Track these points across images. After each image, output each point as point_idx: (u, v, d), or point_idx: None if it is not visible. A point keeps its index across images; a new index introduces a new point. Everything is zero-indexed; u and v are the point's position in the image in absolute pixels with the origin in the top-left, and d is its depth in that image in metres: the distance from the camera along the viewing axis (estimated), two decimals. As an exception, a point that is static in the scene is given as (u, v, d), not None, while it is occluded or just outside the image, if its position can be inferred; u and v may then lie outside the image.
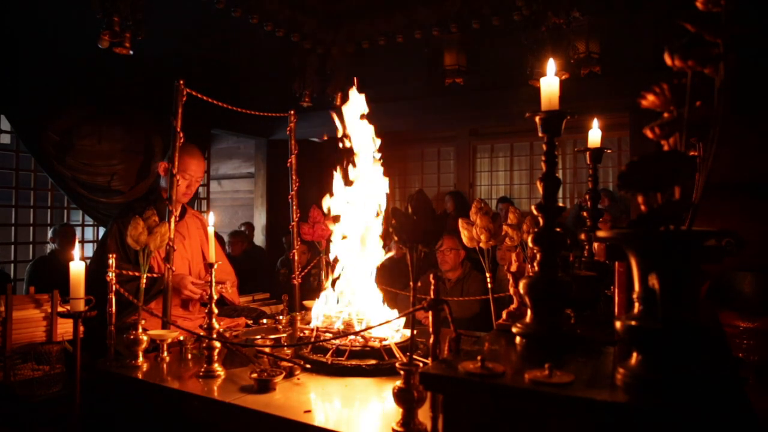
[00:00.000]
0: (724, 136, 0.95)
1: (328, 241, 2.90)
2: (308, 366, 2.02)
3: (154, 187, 2.98)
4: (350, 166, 2.44)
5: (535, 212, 1.35)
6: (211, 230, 2.20)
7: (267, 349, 2.14)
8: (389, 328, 2.13)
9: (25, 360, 2.10)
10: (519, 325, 1.31)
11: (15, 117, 4.74)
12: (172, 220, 2.42)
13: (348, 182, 2.43)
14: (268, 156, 7.09)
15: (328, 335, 2.15)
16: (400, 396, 1.42)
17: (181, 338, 2.28)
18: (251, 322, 2.89)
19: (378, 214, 2.36)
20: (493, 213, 2.26)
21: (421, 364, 1.49)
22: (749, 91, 3.62)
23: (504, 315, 1.72)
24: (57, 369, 2.12)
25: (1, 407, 1.99)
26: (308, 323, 2.39)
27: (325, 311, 2.35)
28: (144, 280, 2.21)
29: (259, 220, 7.13)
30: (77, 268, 1.95)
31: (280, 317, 2.77)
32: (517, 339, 1.31)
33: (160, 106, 4.25)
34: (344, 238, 2.41)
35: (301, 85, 3.99)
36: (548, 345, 1.25)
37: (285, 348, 2.21)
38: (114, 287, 2.15)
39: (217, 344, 2.02)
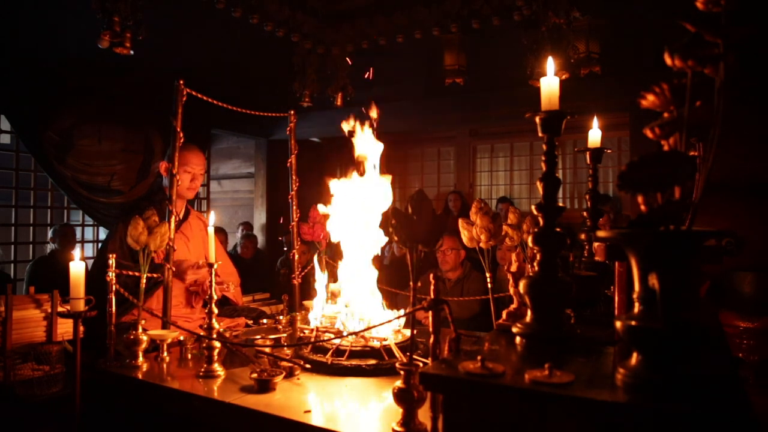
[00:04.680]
0: (725, 136, 0.95)
1: (327, 241, 2.90)
2: (308, 366, 2.02)
3: (158, 187, 3.00)
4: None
5: (535, 212, 1.35)
6: (211, 230, 2.20)
7: (267, 349, 2.14)
8: (389, 328, 2.13)
9: (25, 360, 2.10)
10: (519, 325, 1.31)
11: (15, 117, 4.74)
12: (173, 219, 2.42)
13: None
14: (268, 156, 7.09)
15: (328, 335, 2.15)
16: (400, 396, 1.42)
17: (181, 338, 2.28)
18: (251, 322, 2.89)
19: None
20: (493, 213, 2.26)
21: (421, 364, 1.49)
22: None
23: (504, 315, 1.71)
24: (57, 369, 2.12)
25: (1, 407, 1.99)
26: (308, 323, 2.39)
27: (325, 311, 2.35)
28: (144, 280, 2.21)
29: (259, 220, 7.14)
30: (77, 268, 1.95)
31: (280, 317, 2.77)
32: (517, 339, 1.31)
33: (160, 106, 4.25)
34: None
35: (301, 85, 3.99)
36: (548, 345, 1.25)
37: (285, 348, 2.21)
38: (114, 287, 2.15)
39: (217, 344, 2.02)
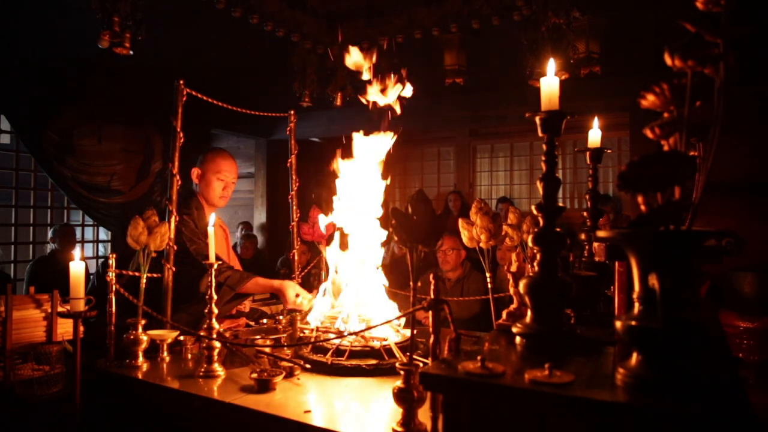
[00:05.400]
0: (725, 136, 0.95)
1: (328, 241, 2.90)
2: (308, 366, 2.02)
3: (189, 193, 2.90)
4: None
5: (535, 212, 1.35)
6: (211, 230, 2.20)
7: (267, 349, 2.14)
8: (389, 327, 2.13)
9: (25, 360, 2.10)
10: (519, 325, 1.31)
11: (15, 117, 4.75)
12: (172, 220, 2.42)
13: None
14: (268, 156, 7.09)
15: (328, 335, 2.15)
16: (400, 396, 1.42)
17: (181, 338, 2.27)
18: (252, 322, 2.89)
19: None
20: (493, 213, 2.25)
21: (421, 364, 1.49)
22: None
23: (504, 315, 1.71)
24: (57, 369, 2.11)
25: (1, 407, 1.99)
26: (308, 323, 2.39)
27: (325, 311, 2.35)
28: (144, 280, 2.20)
29: (259, 220, 7.14)
30: (77, 268, 1.95)
31: (280, 317, 2.77)
32: (517, 339, 1.31)
33: (160, 106, 4.26)
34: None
35: (301, 85, 3.99)
36: (548, 345, 1.25)
37: (285, 348, 2.21)
38: (114, 287, 2.15)
39: (217, 344, 2.02)
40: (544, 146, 1.32)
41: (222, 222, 3.20)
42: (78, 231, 5.82)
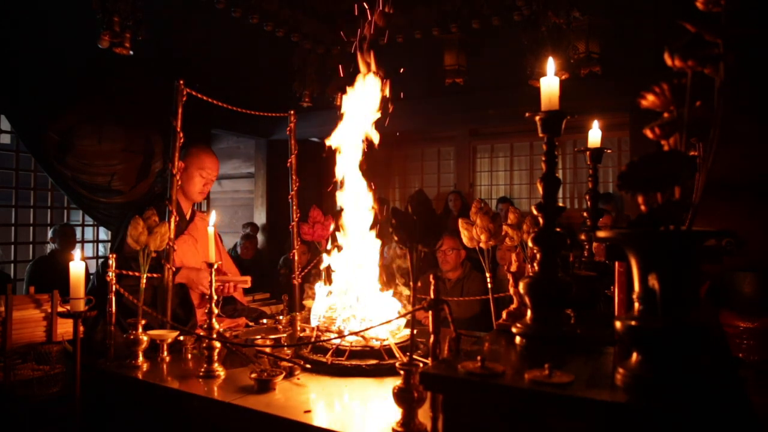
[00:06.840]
0: (726, 135, 0.95)
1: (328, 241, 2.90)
2: (308, 366, 2.02)
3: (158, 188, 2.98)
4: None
5: (535, 212, 1.35)
6: (211, 230, 2.20)
7: (267, 349, 2.14)
8: (389, 327, 2.13)
9: (25, 360, 2.10)
10: (519, 325, 1.31)
11: (15, 117, 4.74)
12: (172, 220, 2.42)
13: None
14: (268, 156, 7.08)
15: (328, 335, 2.15)
16: (400, 396, 1.42)
17: (181, 338, 2.27)
18: (252, 322, 2.89)
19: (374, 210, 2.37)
20: (493, 213, 2.25)
21: (421, 364, 1.49)
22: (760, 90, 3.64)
23: (504, 315, 1.71)
24: (57, 369, 2.11)
25: (1, 407, 1.99)
26: (308, 323, 2.39)
27: (325, 311, 2.35)
28: (144, 280, 2.20)
29: (259, 220, 7.14)
30: (77, 268, 1.95)
31: (280, 317, 2.77)
32: (517, 339, 1.32)
33: (160, 106, 4.25)
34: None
35: (301, 85, 4.00)
36: (548, 345, 1.25)
37: (285, 348, 2.21)
38: (114, 287, 2.15)
39: (217, 344, 2.02)
40: (544, 146, 1.32)
41: (205, 216, 3.21)
42: (78, 231, 5.81)
